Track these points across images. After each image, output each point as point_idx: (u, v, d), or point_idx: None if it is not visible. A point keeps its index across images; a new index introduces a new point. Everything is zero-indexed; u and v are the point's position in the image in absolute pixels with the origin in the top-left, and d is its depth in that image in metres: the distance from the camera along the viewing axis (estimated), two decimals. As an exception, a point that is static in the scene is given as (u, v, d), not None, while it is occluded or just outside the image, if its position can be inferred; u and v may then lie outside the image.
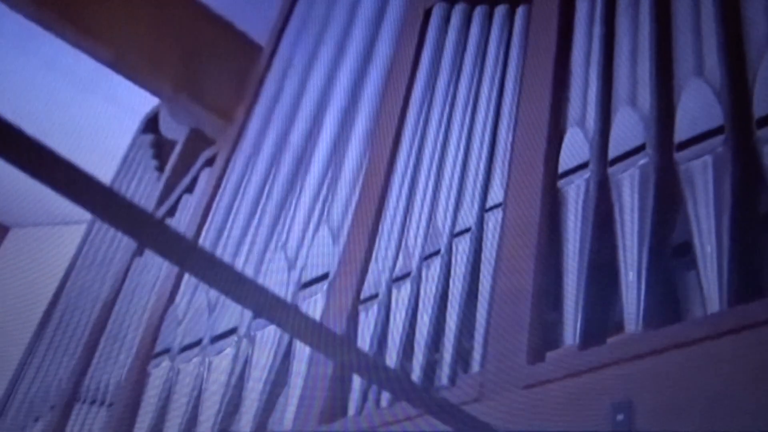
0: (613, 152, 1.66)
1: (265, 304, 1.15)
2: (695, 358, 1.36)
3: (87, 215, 2.87)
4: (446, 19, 2.41)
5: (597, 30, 1.91)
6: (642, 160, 1.61)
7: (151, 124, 3.65)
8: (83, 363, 2.72)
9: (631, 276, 1.53)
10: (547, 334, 1.61)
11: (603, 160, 1.67)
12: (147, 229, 1.03)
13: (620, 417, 1.37)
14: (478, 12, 2.34)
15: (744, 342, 1.33)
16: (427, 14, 2.47)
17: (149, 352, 2.32)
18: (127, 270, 2.89)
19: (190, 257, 1.09)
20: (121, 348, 2.59)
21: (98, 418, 2.50)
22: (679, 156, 1.55)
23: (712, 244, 1.46)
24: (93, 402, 2.56)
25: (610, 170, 1.64)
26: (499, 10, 2.27)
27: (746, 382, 1.26)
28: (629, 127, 1.66)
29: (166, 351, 2.25)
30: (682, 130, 1.58)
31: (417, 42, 2.41)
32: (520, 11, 2.20)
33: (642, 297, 1.50)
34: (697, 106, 1.58)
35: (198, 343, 2.17)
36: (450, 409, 1.40)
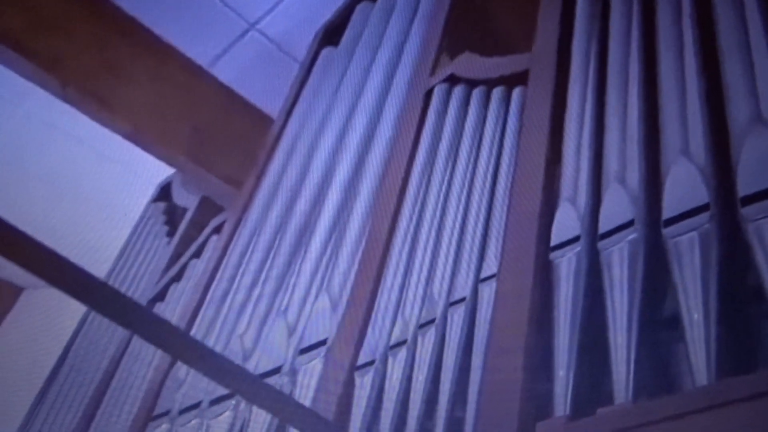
0: (603, 227, 1.71)
1: (253, 391, 1.17)
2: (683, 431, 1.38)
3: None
4: (446, 100, 2.51)
5: (588, 110, 1.99)
6: (631, 235, 1.65)
7: (164, 192, 3.75)
8: (85, 423, 2.73)
9: (621, 347, 1.55)
10: (538, 405, 1.63)
11: (593, 234, 1.72)
12: (136, 319, 1.07)
13: (607, 489, 1.38)
14: (477, 93, 2.43)
15: (729, 417, 1.35)
16: (428, 95, 2.57)
17: (149, 414, 2.34)
18: (133, 332, 2.92)
19: (178, 346, 1.12)
20: (122, 409, 2.61)
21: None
22: (666, 231, 1.60)
23: (700, 316, 1.48)
24: (93, 463, 2.57)
25: (600, 244, 1.68)
26: (497, 92, 2.37)
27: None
28: (618, 203, 1.72)
29: (166, 413, 2.27)
30: (669, 207, 1.62)
31: (418, 121, 2.50)
32: (516, 92, 2.29)
33: (631, 368, 1.52)
34: (684, 184, 1.63)
35: (197, 405, 2.20)
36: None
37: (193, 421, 2.17)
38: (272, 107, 3.38)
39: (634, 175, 1.75)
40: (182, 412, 2.23)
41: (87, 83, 3.14)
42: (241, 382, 1.13)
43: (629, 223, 1.67)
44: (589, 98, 2.02)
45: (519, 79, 2.32)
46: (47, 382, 3.23)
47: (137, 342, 2.88)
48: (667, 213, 1.61)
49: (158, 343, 1.14)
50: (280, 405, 1.18)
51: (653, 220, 1.65)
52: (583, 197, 1.81)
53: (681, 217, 1.59)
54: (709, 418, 1.37)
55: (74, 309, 3.49)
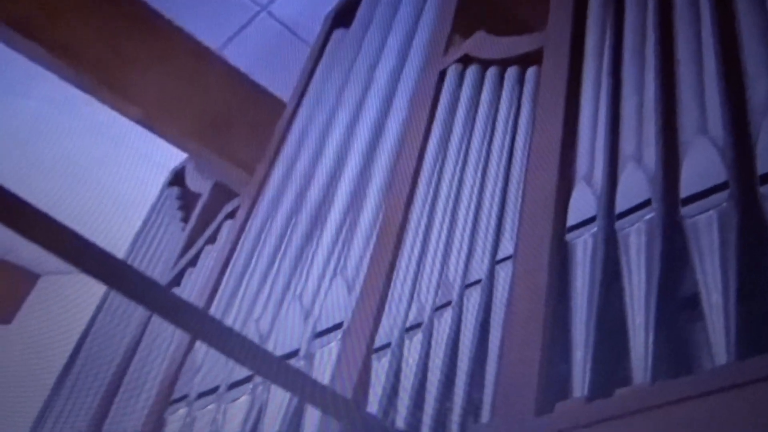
0: (620, 207, 1.69)
1: (271, 368, 1.18)
2: (702, 412, 1.37)
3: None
4: (460, 80, 2.49)
5: (604, 89, 1.97)
6: (648, 214, 1.64)
7: (177, 177, 3.76)
8: (103, 409, 2.76)
9: (639, 328, 1.54)
10: (556, 386, 1.62)
11: (610, 214, 1.71)
12: (156, 299, 1.07)
13: (626, 469, 1.38)
14: (491, 73, 2.41)
15: (750, 396, 1.34)
16: (442, 75, 2.55)
17: (167, 399, 2.36)
18: (150, 316, 2.95)
19: (199, 326, 1.13)
20: (141, 394, 2.63)
21: (116, 464, 2.52)
22: (684, 211, 1.58)
23: (719, 295, 1.47)
24: (112, 449, 2.60)
25: (617, 224, 1.67)
26: (511, 72, 2.35)
27: (753, 438, 1.26)
28: (635, 182, 1.70)
29: (184, 397, 2.29)
30: (687, 186, 1.61)
31: (431, 102, 2.48)
32: (530, 72, 2.27)
33: (650, 349, 1.51)
34: (702, 163, 1.62)
35: (214, 390, 2.21)
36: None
37: (210, 406, 2.18)
38: (284, 91, 3.38)
39: (651, 154, 1.73)
40: (199, 396, 2.24)
41: (98, 68, 3.15)
42: (261, 362, 1.13)
43: (646, 203, 1.66)
44: (605, 76, 2.00)
45: (533, 58, 2.29)
46: (65, 368, 3.26)
47: (154, 328, 2.90)
48: (684, 192, 1.60)
49: (179, 323, 1.14)
50: (299, 384, 1.19)
51: (671, 200, 1.64)
52: (599, 177, 1.80)
53: (699, 196, 1.58)
54: (728, 398, 1.36)
55: (91, 296, 3.52)
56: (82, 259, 0.92)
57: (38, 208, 0.87)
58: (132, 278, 0.99)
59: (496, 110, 2.26)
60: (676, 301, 1.60)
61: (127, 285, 0.98)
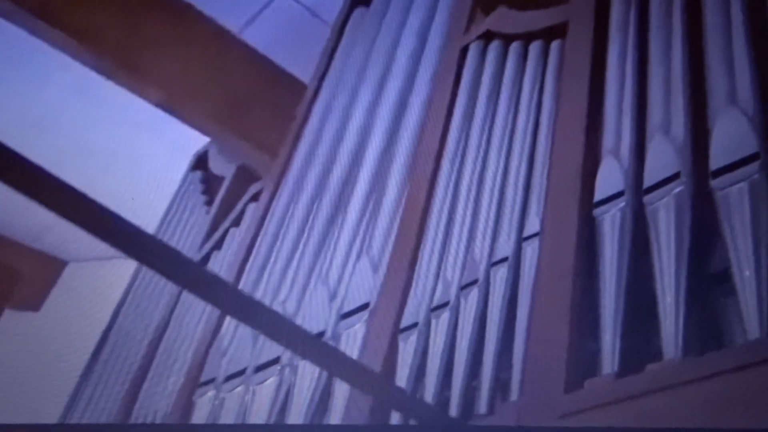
0: (648, 181, 1.67)
1: (302, 343, 1.18)
2: (735, 388, 1.35)
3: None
4: (482, 57, 2.45)
5: (630, 61, 1.93)
6: (677, 188, 1.61)
7: (200, 161, 3.77)
8: (132, 393, 2.79)
9: (669, 303, 1.52)
10: (585, 363, 1.61)
11: (638, 188, 1.68)
12: (186, 273, 1.07)
13: (658, 445, 1.36)
14: (514, 48, 2.38)
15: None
16: (464, 52, 2.52)
17: (195, 382, 2.37)
18: (177, 301, 2.97)
19: (227, 299, 1.13)
20: (169, 378, 2.65)
21: (146, 447, 2.55)
22: (714, 183, 1.55)
23: (751, 270, 1.45)
24: (142, 431, 2.62)
25: (646, 199, 1.65)
26: (534, 46, 2.31)
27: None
28: (664, 155, 1.67)
29: (212, 381, 2.30)
30: (717, 158, 1.58)
31: (454, 79, 2.45)
32: (554, 46, 2.24)
33: (681, 324, 1.49)
34: (732, 134, 1.58)
35: (242, 372, 2.22)
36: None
37: (238, 388, 2.19)
38: (304, 72, 3.36)
39: (680, 126, 1.70)
40: (227, 379, 2.25)
41: (118, 52, 3.16)
42: (291, 337, 1.13)
43: (675, 176, 1.63)
44: (631, 48, 1.96)
45: (557, 32, 2.25)
46: (94, 353, 3.29)
47: (180, 312, 2.92)
48: (714, 164, 1.57)
49: (211, 299, 1.14)
50: (329, 358, 1.19)
51: (700, 172, 1.61)
52: (626, 151, 1.77)
53: (729, 168, 1.55)
54: (761, 373, 1.34)
55: (118, 282, 3.55)
56: (120, 238, 0.92)
57: (78, 189, 0.87)
58: (166, 255, 0.99)
59: (520, 86, 2.23)
60: (706, 276, 1.58)
61: (161, 261, 0.98)
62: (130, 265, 3.56)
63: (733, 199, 1.52)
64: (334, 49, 3.26)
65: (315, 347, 1.13)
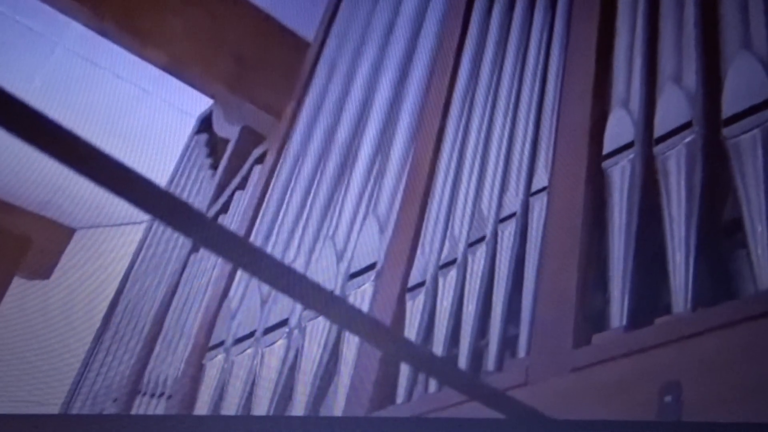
0: (658, 131, 1.62)
1: (312, 296, 1.16)
2: (745, 338, 1.32)
3: (146, 216, 2.96)
4: (489, 9, 2.39)
5: (641, 7, 1.87)
6: (689, 137, 1.57)
7: (205, 123, 3.75)
8: (143, 357, 2.80)
9: (679, 256, 1.49)
10: (593, 317, 1.59)
11: (648, 139, 1.64)
12: (199, 227, 1.05)
13: (668, 398, 1.34)
14: (520, -2, 2.32)
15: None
16: (470, 5, 2.46)
17: (205, 346, 2.37)
18: (184, 266, 2.97)
19: (240, 252, 1.10)
20: (179, 342, 2.66)
21: (158, 410, 2.57)
22: (726, 131, 1.51)
23: (763, 220, 1.41)
24: (153, 395, 2.64)
25: (656, 149, 1.60)
26: (542, -5, 2.25)
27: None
28: (675, 104, 1.62)
29: (221, 344, 2.30)
30: (729, 105, 1.53)
31: (460, 33, 2.40)
32: (562, -7, 2.17)
33: (690, 277, 1.46)
34: (745, 80, 1.53)
35: (251, 335, 2.21)
36: (496, 395, 1.39)
37: (247, 350, 2.19)
38: (308, 31, 3.30)
39: (691, 73, 1.65)
40: (237, 342, 2.25)
41: (121, 14, 3.11)
42: (303, 289, 1.11)
43: (686, 125, 1.58)
44: (641, -6, 1.89)
45: (565, -21, 2.19)
46: (104, 319, 3.31)
47: (189, 277, 2.91)
48: (727, 111, 1.52)
49: (222, 252, 1.12)
50: (339, 311, 1.17)
51: (712, 120, 1.56)
52: (636, 100, 1.72)
53: (742, 115, 1.50)
54: (773, 324, 1.31)
55: (126, 248, 3.55)
56: (129, 189, 0.89)
57: (92, 143, 0.84)
58: (178, 208, 0.97)
59: (528, 35, 2.17)
60: (717, 227, 1.54)
61: (173, 215, 0.96)
62: (136, 231, 3.56)
63: (745, 146, 1.47)
64: (337, 5, 3.19)
65: (324, 299, 1.11)
